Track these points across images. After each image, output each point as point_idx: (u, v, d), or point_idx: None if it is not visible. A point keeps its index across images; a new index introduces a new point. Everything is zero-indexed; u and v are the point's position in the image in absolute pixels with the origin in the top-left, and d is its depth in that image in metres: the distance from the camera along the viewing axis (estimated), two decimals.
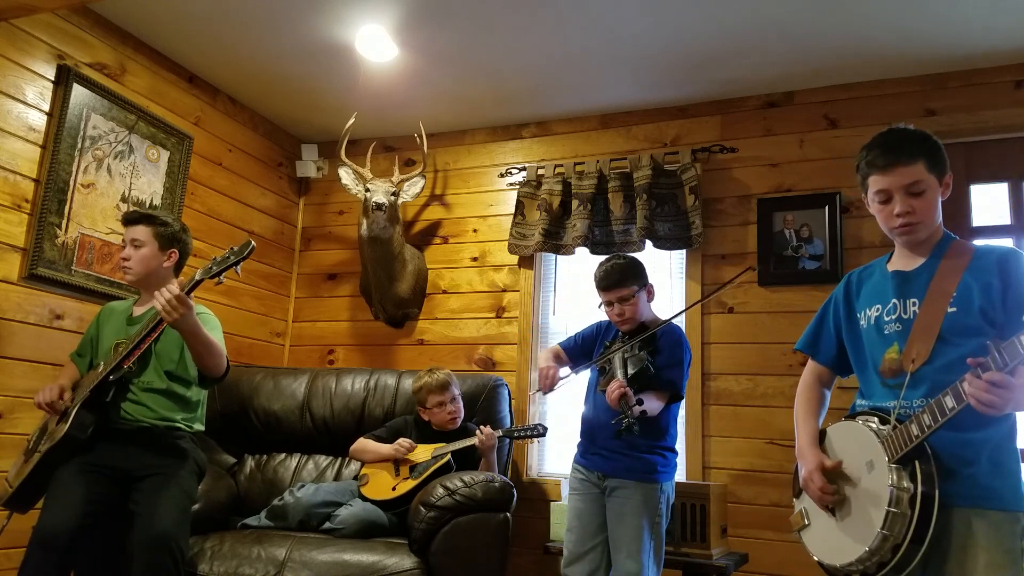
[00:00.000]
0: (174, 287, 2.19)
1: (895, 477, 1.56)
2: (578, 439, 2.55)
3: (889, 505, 1.54)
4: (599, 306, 2.50)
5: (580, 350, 2.61)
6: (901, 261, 1.81)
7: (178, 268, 2.57)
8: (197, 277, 2.25)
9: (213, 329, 2.44)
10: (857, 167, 1.81)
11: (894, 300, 1.74)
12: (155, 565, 2.17)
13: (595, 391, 2.47)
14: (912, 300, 1.71)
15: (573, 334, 2.69)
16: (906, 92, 3.26)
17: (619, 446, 2.35)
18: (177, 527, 2.25)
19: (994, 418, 1.52)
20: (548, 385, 2.38)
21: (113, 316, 2.56)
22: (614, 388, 2.16)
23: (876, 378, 1.77)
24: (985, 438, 1.58)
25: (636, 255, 3.43)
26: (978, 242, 3.06)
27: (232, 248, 2.25)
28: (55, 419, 2.35)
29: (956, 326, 1.62)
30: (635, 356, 2.32)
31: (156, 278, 2.49)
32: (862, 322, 1.83)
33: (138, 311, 2.53)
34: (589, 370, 2.54)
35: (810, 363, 2.00)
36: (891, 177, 1.70)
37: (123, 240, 2.52)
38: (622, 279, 2.42)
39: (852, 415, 1.79)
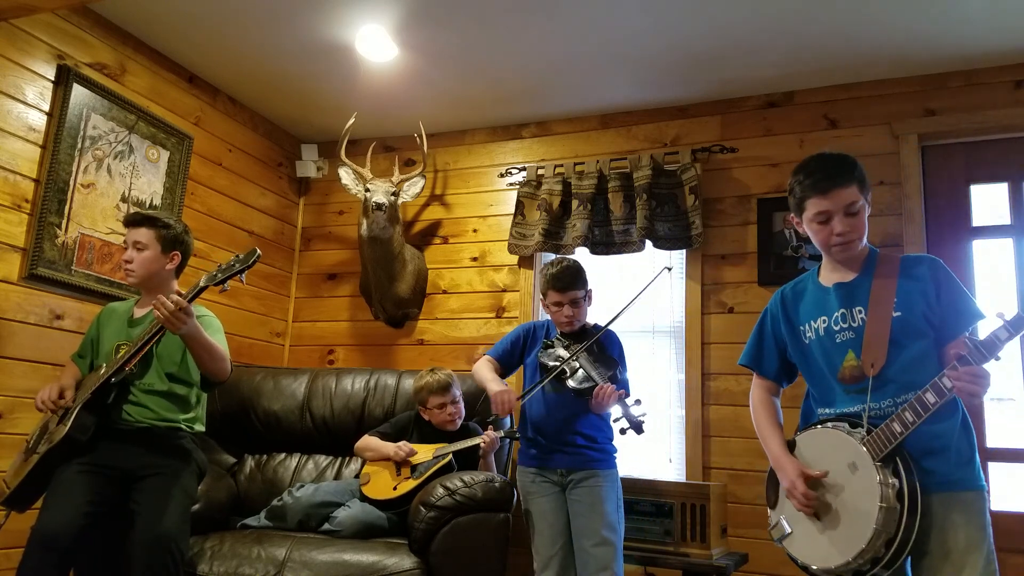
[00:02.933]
0: (174, 296, 2.19)
1: (882, 475, 1.65)
2: (523, 446, 2.59)
3: (881, 502, 1.63)
4: (544, 306, 2.55)
5: (511, 356, 2.65)
6: (836, 275, 1.91)
7: (179, 270, 2.57)
8: (201, 284, 2.26)
9: (216, 332, 2.44)
10: (790, 191, 1.92)
11: (842, 310, 1.85)
12: (155, 565, 2.17)
13: (544, 392, 2.50)
14: (858, 308, 1.83)
15: (499, 342, 2.72)
16: (906, 92, 3.26)
17: (579, 440, 2.45)
18: (177, 527, 2.25)
19: (951, 409, 1.69)
20: (508, 410, 2.43)
21: (114, 317, 2.56)
22: (610, 392, 2.24)
23: (837, 385, 1.85)
24: (950, 428, 1.72)
25: (633, 255, 3.47)
26: (978, 243, 3.09)
27: (237, 256, 2.26)
28: (55, 419, 2.35)
29: (904, 329, 1.77)
30: (601, 358, 2.40)
31: (158, 280, 2.49)
32: (808, 334, 1.92)
33: (139, 312, 2.53)
34: (535, 372, 2.57)
35: (756, 379, 2.09)
36: (831, 199, 1.82)
37: (125, 241, 2.51)
38: (575, 281, 2.48)
39: (817, 423, 1.87)
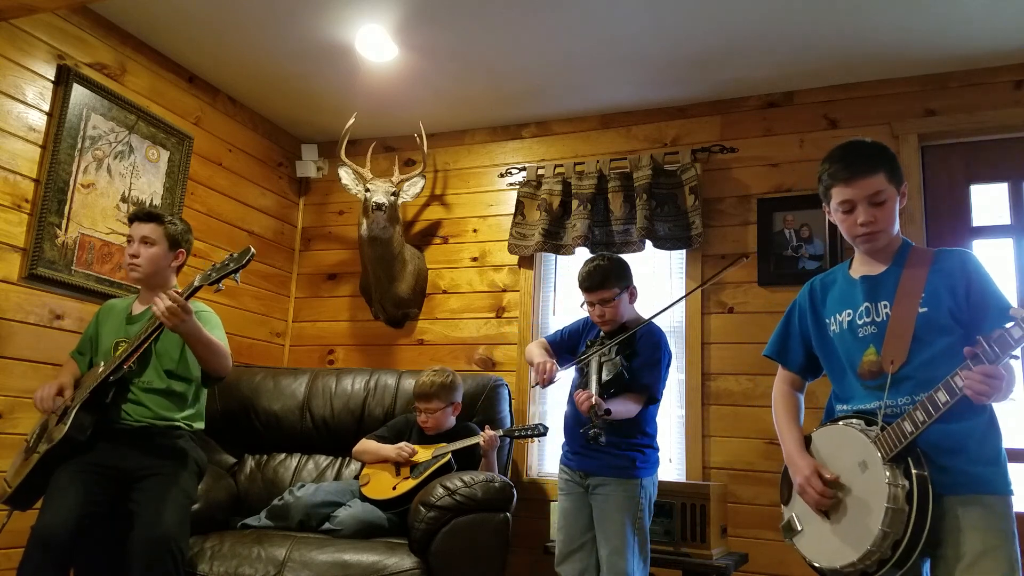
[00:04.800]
0: (171, 291, 2.19)
1: (891, 475, 1.61)
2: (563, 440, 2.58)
3: (888, 502, 1.58)
4: (581, 305, 2.51)
5: (565, 345, 2.62)
6: (866, 267, 1.87)
7: (179, 268, 2.58)
8: (196, 283, 2.26)
9: (214, 328, 2.44)
10: (819, 178, 1.87)
11: (866, 304, 1.81)
12: (155, 565, 2.17)
13: (575, 391, 2.48)
14: (883, 303, 1.78)
15: (559, 329, 2.71)
16: (906, 92, 3.26)
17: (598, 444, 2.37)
18: (177, 527, 2.25)
19: (974, 409, 1.61)
20: (547, 380, 2.38)
21: (112, 314, 2.56)
22: (583, 399, 2.20)
23: (855, 381, 1.81)
24: (967, 428, 1.65)
25: (633, 255, 3.46)
26: (978, 243, 3.09)
27: (231, 255, 2.26)
28: (54, 418, 2.35)
29: (928, 325, 1.71)
30: (611, 361, 2.33)
31: (161, 278, 2.49)
32: (832, 327, 1.88)
33: (137, 309, 2.53)
34: (574, 368, 2.55)
35: (780, 371, 2.05)
36: (854, 188, 1.77)
37: (129, 237, 2.50)
38: (603, 281, 2.42)
39: (834, 419, 1.83)
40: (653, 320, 2.46)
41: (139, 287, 2.61)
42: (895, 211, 1.80)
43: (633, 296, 2.51)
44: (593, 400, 2.16)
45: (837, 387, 1.89)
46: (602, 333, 2.50)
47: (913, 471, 1.60)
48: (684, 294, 2.82)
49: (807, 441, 1.87)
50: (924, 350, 1.70)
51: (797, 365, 1.99)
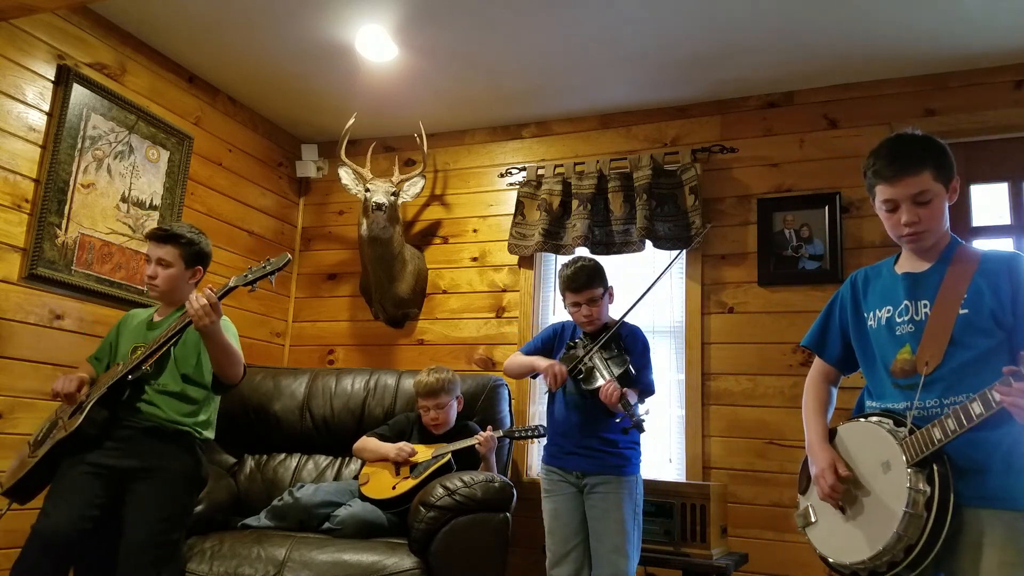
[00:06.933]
0: (207, 291, 2.25)
1: (913, 479, 1.58)
2: (546, 442, 2.62)
3: (907, 507, 1.57)
4: (565, 307, 2.55)
5: (542, 353, 2.65)
6: (910, 263, 1.82)
7: (197, 284, 2.59)
8: (231, 284, 2.33)
9: (231, 338, 2.45)
10: (864, 174, 1.82)
11: (906, 302, 1.76)
12: (136, 573, 2.19)
13: (565, 393, 2.51)
14: (923, 302, 1.73)
15: (532, 339, 2.75)
16: (906, 92, 3.26)
17: (596, 444, 2.43)
18: (160, 537, 2.26)
19: (1006, 420, 1.54)
20: (563, 380, 2.43)
21: (133, 322, 2.57)
22: (612, 391, 2.23)
23: (887, 378, 1.78)
24: (997, 439, 1.60)
25: (633, 255, 3.47)
26: (978, 243, 3.09)
27: (269, 259, 2.34)
28: (67, 413, 2.35)
29: (967, 328, 1.66)
30: (615, 357, 2.38)
31: (180, 293, 2.52)
32: (871, 322, 1.85)
33: (159, 318, 2.55)
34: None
35: (816, 362, 2.02)
36: (897, 188, 1.71)
37: (148, 255, 2.50)
38: (591, 281, 2.47)
39: (864, 415, 1.81)
40: (627, 319, 2.50)
41: (159, 301, 2.62)
42: (942, 209, 1.73)
43: (611, 297, 2.56)
44: (623, 391, 2.21)
45: (870, 383, 1.86)
46: (583, 334, 2.54)
47: (936, 479, 1.57)
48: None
49: (832, 434, 1.85)
50: (960, 353, 1.65)
51: (834, 358, 1.96)
